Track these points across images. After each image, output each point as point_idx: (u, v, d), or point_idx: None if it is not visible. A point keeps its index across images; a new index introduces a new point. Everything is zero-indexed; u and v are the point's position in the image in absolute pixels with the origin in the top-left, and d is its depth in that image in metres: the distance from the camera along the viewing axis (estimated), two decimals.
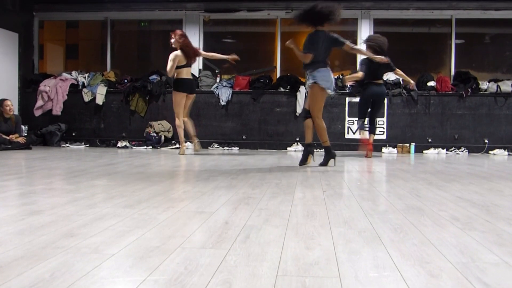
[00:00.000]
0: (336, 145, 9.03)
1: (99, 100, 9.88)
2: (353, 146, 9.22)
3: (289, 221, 2.56)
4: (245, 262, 1.82)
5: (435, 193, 3.65)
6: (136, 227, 2.39)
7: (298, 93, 9.43)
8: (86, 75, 10.26)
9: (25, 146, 8.40)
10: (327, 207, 3.00)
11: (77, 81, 10.19)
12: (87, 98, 9.97)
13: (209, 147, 9.50)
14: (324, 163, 5.90)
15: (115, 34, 11.24)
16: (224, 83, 9.75)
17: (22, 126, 9.05)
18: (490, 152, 9.25)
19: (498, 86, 9.40)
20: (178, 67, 7.41)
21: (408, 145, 9.13)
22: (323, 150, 6.13)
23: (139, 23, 11.25)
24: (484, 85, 9.52)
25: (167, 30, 10.87)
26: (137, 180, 4.24)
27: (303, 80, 9.71)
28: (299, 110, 9.43)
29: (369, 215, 2.74)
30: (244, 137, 9.59)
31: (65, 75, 10.27)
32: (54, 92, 9.93)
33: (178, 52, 7.44)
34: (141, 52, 12.15)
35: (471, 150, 9.31)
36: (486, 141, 9.34)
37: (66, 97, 9.99)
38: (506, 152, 9.16)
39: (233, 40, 11.27)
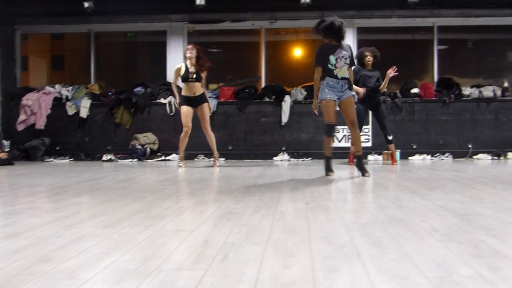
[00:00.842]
0: (322, 154, 9.04)
1: (83, 113, 9.82)
2: (339, 154, 9.23)
3: (270, 237, 2.55)
4: (221, 283, 1.80)
5: (417, 203, 3.67)
6: (114, 248, 2.37)
7: (283, 103, 9.44)
8: (70, 88, 10.17)
9: (7, 162, 8.29)
10: (308, 221, 3.00)
11: (61, 95, 10.11)
12: (71, 111, 9.90)
13: (195, 159, 9.47)
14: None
15: (101, 46, 11.22)
16: (209, 94, 9.72)
17: (4, 141, 8.96)
18: (474, 157, 9.32)
19: (480, 92, 9.50)
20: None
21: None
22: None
23: (126, 34, 11.21)
24: (466, 91, 9.62)
25: (153, 41, 10.91)
26: (120, 197, 4.21)
27: (288, 89, 9.75)
28: (284, 119, 9.44)
29: (350, 229, 2.74)
30: (230, 148, 9.57)
31: (48, 88, 10.18)
32: (37, 106, 9.85)
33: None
34: (128, 63, 12.12)
35: (455, 156, 9.37)
36: (470, 146, 9.41)
37: (49, 111, 9.90)
38: (489, 157, 9.23)
39: (219, 50, 11.28)
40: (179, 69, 7.54)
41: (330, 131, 5.78)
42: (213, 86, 10.40)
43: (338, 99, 5.70)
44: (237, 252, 2.26)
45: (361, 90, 7.29)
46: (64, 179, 5.89)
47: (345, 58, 5.69)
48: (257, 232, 2.68)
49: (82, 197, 4.23)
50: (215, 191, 4.53)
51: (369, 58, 7.50)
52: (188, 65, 7.49)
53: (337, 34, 5.67)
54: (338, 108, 5.82)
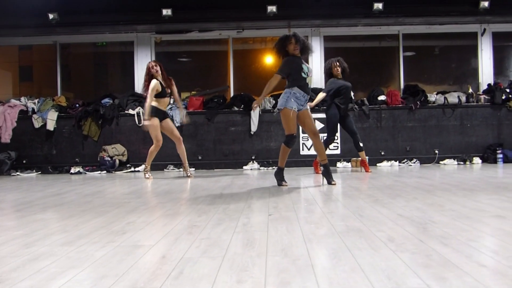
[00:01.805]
0: (292, 162, 9.12)
1: (50, 126, 9.69)
2: (308, 162, 9.32)
3: (227, 251, 2.56)
4: None
5: (378, 212, 3.72)
6: (70, 267, 2.35)
7: (252, 112, 9.48)
8: (36, 100, 10.04)
9: None
10: (268, 233, 3.02)
11: (27, 107, 9.97)
12: (37, 124, 9.77)
13: (164, 169, 9.43)
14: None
15: (69, 56, 11.11)
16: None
17: None
18: (441, 162, 9.50)
19: (445, 98, 9.70)
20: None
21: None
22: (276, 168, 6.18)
23: (96, 44, 11.08)
24: (432, 97, 9.82)
25: (122, 51, 10.83)
26: (82, 212, 4.17)
27: (256, 98, 9.77)
28: (253, 128, 9.49)
29: (308, 240, 2.77)
30: (200, 158, 9.56)
31: (13, 101, 10.03)
32: (2, 119, 9.68)
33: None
34: (97, 74, 11.99)
35: (422, 161, 9.53)
36: (437, 151, 9.59)
37: (15, 124, 9.75)
38: (455, 162, 9.42)
39: (188, 59, 11.27)
40: (157, 86, 7.46)
41: (291, 142, 5.80)
42: (184, 94, 10.43)
43: (298, 110, 5.78)
44: (193, 268, 2.27)
45: (321, 96, 7.77)
46: (29, 194, 5.80)
47: (310, 71, 5.86)
48: (215, 247, 2.69)
49: (44, 214, 4.17)
50: (180, 204, 4.52)
51: (337, 69, 7.60)
52: (159, 81, 7.51)
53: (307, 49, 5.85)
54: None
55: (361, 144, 7.78)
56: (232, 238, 2.90)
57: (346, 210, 3.84)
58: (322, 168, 6.02)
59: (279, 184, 5.91)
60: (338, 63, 7.64)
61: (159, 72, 7.51)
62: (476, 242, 2.63)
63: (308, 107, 5.94)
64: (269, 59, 10.95)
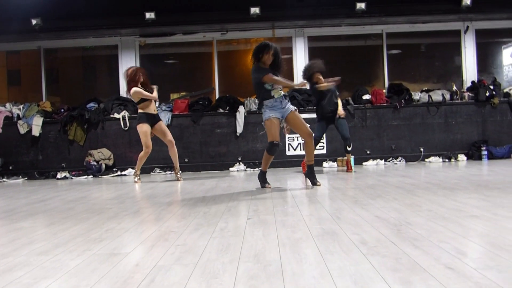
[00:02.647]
0: (278, 162, 9.16)
1: (36, 131, 9.66)
2: (294, 162, 9.35)
3: (201, 258, 2.58)
4: None
5: (356, 214, 3.75)
6: (43, 278, 2.37)
7: (237, 113, 9.50)
8: (21, 106, 10.01)
9: None
10: (244, 238, 3.04)
11: (12, 113, 9.93)
12: (23, 130, 9.73)
13: (151, 173, 9.43)
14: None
15: (55, 60, 11.09)
16: (163, 107, 9.72)
17: None
18: (426, 160, 9.56)
19: (429, 96, 9.77)
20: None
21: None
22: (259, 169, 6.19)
23: (84, 47, 11.02)
24: (416, 95, 9.88)
25: (108, 54, 10.80)
26: (63, 219, 4.17)
27: (241, 100, 9.81)
28: (239, 130, 9.50)
29: (282, 245, 2.79)
30: (186, 160, 9.56)
31: None
32: None
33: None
34: (85, 77, 11.94)
35: (408, 160, 9.59)
36: (422, 149, 9.66)
37: (0, 130, 9.71)
38: (440, 159, 9.49)
39: (173, 61, 11.27)
40: (138, 93, 7.47)
41: (272, 149, 5.82)
42: (175, 95, 10.46)
43: (282, 116, 5.78)
44: (165, 276, 2.28)
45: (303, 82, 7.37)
46: (12, 202, 5.79)
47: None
48: (190, 253, 2.71)
49: (25, 222, 4.16)
50: (161, 209, 4.53)
51: (319, 78, 7.57)
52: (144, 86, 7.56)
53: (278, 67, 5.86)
54: (285, 125, 5.91)
55: (349, 148, 7.85)
56: (208, 244, 2.92)
57: (325, 213, 3.87)
58: (307, 169, 6.04)
59: (262, 187, 5.95)
60: (318, 73, 7.63)
61: (144, 77, 7.54)
62: (447, 243, 2.66)
63: (294, 109, 5.85)
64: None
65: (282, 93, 5.79)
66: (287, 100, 5.84)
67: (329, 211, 3.95)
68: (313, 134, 6.03)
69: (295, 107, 5.92)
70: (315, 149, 7.63)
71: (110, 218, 4.11)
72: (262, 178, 6.00)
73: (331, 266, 2.31)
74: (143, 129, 7.47)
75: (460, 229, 3.05)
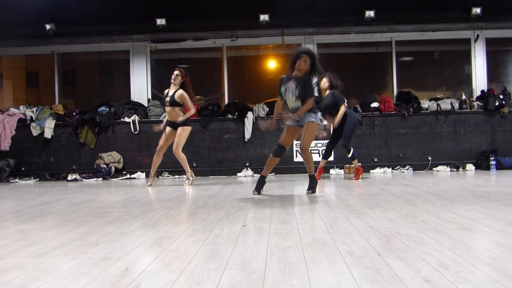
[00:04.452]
0: (286, 169, 9.21)
1: (48, 133, 9.85)
2: (302, 169, 9.39)
3: (189, 264, 2.65)
4: None
5: (350, 223, 3.80)
6: (35, 280, 2.45)
7: (245, 119, 9.59)
8: (34, 109, 10.22)
9: None
10: (235, 245, 3.10)
11: (25, 116, 10.14)
12: (35, 132, 9.93)
13: (159, 176, 9.54)
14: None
15: (70, 64, 11.30)
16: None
17: None
18: (434, 169, 9.55)
19: (438, 105, 9.75)
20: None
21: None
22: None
23: (98, 52, 11.20)
24: (425, 104, 9.88)
25: (122, 59, 10.95)
26: (65, 222, 4.28)
27: (250, 105, 9.90)
28: (247, 136, 9.59)
29: (270, 253, 2.85)
30: (194, 165, 9.66)
31: (12, 110, 10.20)
32: (1, 128, 9.84)
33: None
34: (99, 81, 12.11)
35: (415, 168, 9.59)
36: (430, 158, 9.65)
37: (14, 132, 9.92)
38: (448, 168, 9.47)
39: (185, 66, 11.38)
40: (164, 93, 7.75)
41: (275, 150, 5.92)
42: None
43: (300, 126, 5.87)
44: (150, 281, 2.36)
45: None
46: (20, 203, 5.93)
47: (291, 90, 5.78)
48: (179, 259, 2.78)
49: (28, 224, 4.27)
50: (161, 214, 4.61)
51: (323, 82, 7.72)
52: (170, 90, 7.65)
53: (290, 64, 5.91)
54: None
55: (348, 155, 7.90)
56: (199, 250, 2.99)
57: (320, 221, 3.92)
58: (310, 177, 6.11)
59: (253, 192, 6.04)
60: (325, 79, 7.75)
61: (174, 81, 7.60)
62: (431, 256, 2.70)
63: (310, 121, 5.80)
64: (262, 67, 11.07)
65: (298, 104, 5.80)
66: (307, 113, 5.82)
67: (324, 220, 4.00)
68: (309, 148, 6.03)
69: (317, 121, 5.84)
70: (325, 156, 7.82)
71: (110, 222, 4.20)
72: (258, 184, 6.07)
73: (312, 275, 2.37)
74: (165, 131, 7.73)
75: (449, 241, 3.08)
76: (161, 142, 7.74)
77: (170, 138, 7.72)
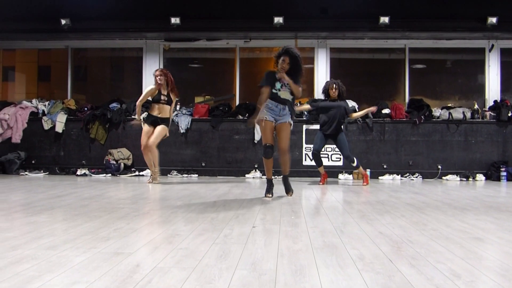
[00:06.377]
0: (294, 172, 9.19)
1: (59, 128, 9.90)
2: (310, 172, 9.39)
3: (200, 263, 2.65)
4: None
5: (360, 228, 3.79)
6: (47, 272, 2.46)
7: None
8: (46, 103, 10.28)
9: None
10: (246, 246, 3.10)
11: (37, 109, 10.20)
12: (47, 126, 9.98)
13: (168, 175, 9.56)
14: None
15: (83, 59, 11.37)
16: (184, 111, 9.87)
17: None
18: (444, 177, 9.50)
19: (450, 114, 9.71)
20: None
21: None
22: (280, 177, 6.32)
23: (111, 48, 11.29)
24: (436, 112, 9.83)
25: (135, 56, 11.01)
26: (76, 216, 4.29)
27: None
28: (257, 137, 9.58)
29: (281, 255, 2.85)
30: (203, 164, 9.68)
31: (25, 103, 10.27)
32: (13, 120, 9.91)
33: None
34: (111, 77, 12.20)
35: (425, 176, 9.55)
36: (440, 167, 9.60)
37: (26, 125, 9.98)
38: (458, 178, 9.42)
39: (196, 66, 11.43)
40: (152, 91, 7.87)
41: (265, 152, 5.91)
42: (199, 99, 10.63)
43: (275, 121, 5.88)
44: (162, 278, 2.36)
45: (306, 107, 8.38)
46: (30, 195, 5.96)
47: (288, 86, 5.89)
48: (190, 257, 2.78)
49: (39, 216, 4.30)
50: (171, 211, 4.62)
51: (333, 91, 7.86)
52: (162, 89, 7.88)
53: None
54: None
55: (353, 165, 7.89)
56: (209, 249, 3.00)
57: (329, 225, 3.92)
58: (282, 177, 6.24)
59: (265, 195, 6.01)
60: (335, 86, 7.80)
61: (161, 82, 7.86)
62: (443, 264, 2.69)
63: (288, 121, 5.90)
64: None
65: (289, 97, 5.90)
66: (287, 111, 5.91)
67: (334, 224, 3.99)
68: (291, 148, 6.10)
69: (291, 121, 5.95)
70: (318, 163, 7.92)
71: (120, 217, 4.21)
72: (267, 186, 6.08)
73: (324, 279, 2.36)
74: (145, 129, 7.94)
75: (460, 250, 3.07)
76: (144, 140, 7.86)
77: (151, 134, 7.88)
